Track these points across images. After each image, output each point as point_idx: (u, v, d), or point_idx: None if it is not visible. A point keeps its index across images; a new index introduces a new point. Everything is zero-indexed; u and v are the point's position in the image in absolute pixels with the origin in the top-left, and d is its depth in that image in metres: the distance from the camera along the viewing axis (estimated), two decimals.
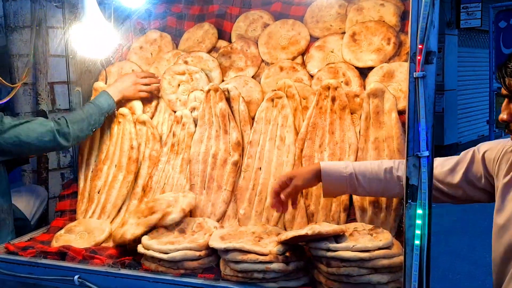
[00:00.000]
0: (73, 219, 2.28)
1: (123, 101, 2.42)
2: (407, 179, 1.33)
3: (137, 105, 2.42)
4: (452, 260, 4.36)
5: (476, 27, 8.13)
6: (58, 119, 2.21)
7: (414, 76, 1.30)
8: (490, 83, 6.65)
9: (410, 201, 1.33)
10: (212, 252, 1.74)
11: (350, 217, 1.92)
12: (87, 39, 2.38)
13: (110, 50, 2.60)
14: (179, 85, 2.38)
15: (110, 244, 2.04)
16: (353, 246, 1.52)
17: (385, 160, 1.81)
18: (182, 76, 2.38)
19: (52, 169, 2.73)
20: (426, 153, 1.30)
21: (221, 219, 2.09)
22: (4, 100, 2.44)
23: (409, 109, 1.32)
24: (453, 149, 8.11)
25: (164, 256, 1.71)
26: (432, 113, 1.30)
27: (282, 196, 1.74)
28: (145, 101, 2.45)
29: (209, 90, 2.21)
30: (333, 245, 1.54)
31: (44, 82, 2.65)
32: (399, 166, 1.66)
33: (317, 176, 1.74)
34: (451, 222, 5.28)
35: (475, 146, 1.66)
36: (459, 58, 8.43)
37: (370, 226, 1.68)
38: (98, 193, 2.28)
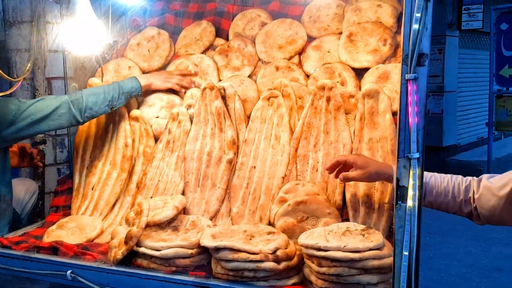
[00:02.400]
0: (67, 214, 2.28)
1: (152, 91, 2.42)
2: (397, 180, 1.33)
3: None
4: (448, 262, 4.36)
5: (477, 29, 8.12)
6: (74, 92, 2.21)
7: (406, 78, 1.30)
8: (490, 85, 6.65)
9: (400, 202, 1.33)
10: (204, 250, 1.74)
11: (343, 217, 1.92)
12: (81, 35, 2.39)
13: (105, 47, 2.60)
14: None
15: (102, 240, 2.05)
16: (344, 246, 1.53)
17: (459, 177, 1.67)
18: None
19: (49, 164, 2.73)
20: (417, 155, 1.30)
21: (214, 217, 2.09)
22: (7, 93, 2.44)
23: (401, 111, 1.32)
24: (452, 151, 8.10)
25: (156, 253, 1.72)
26: (423, 116, 1.31)
27: (342, 177, 1.75)
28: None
29: (204, 88, 2.21)
30: (324, 245, 1.55)
31: (42, 77, 2.65)
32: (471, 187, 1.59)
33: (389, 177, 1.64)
34: (448, 224, 5.28)
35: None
36: (459, 59, 8.40)
37: (363, 227, 1.68)
38: (92, 189, 2.28)
